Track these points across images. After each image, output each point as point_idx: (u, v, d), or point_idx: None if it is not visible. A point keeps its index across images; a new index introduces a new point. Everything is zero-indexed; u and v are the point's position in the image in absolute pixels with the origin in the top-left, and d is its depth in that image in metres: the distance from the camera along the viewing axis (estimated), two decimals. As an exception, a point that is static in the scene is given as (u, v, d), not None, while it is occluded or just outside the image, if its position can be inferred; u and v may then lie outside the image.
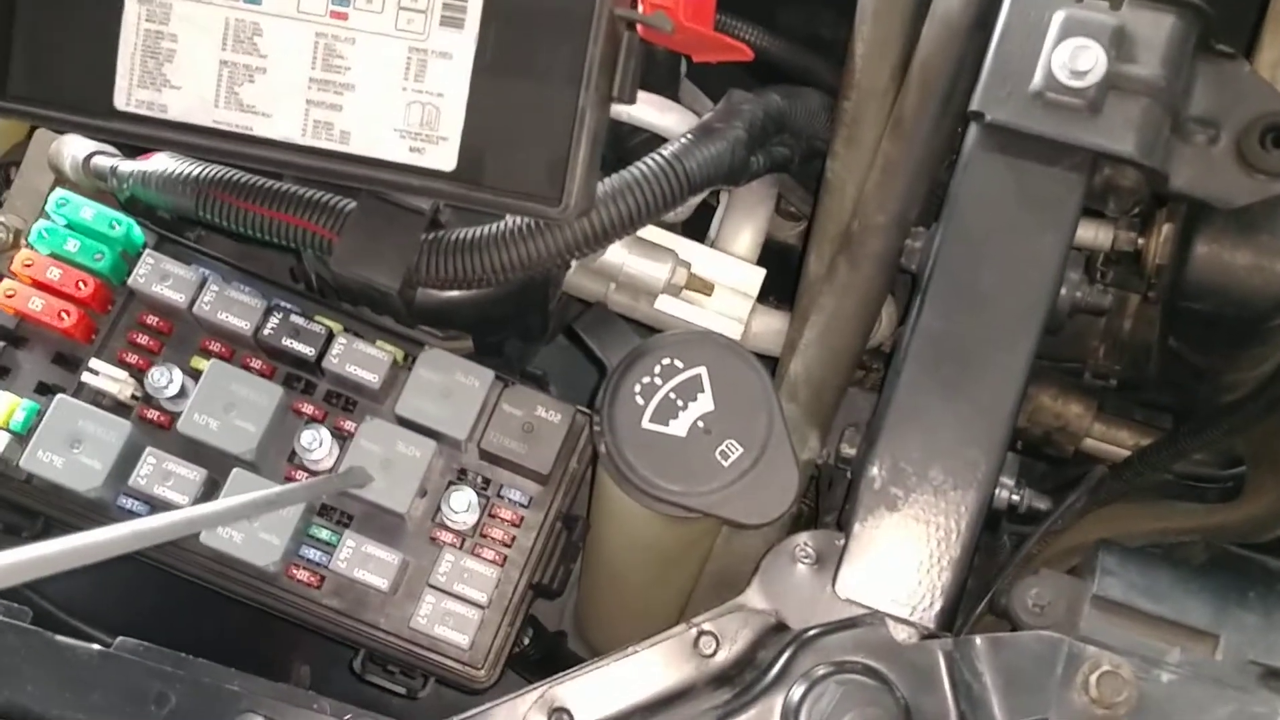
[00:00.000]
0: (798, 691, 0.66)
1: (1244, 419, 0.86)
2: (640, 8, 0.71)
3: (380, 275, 0.76)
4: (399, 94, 0.73)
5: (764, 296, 1.01)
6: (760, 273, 0.91)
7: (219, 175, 0.78)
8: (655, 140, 0.86)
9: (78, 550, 0.53)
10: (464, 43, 0.72)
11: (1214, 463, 1.00)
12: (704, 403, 0.72)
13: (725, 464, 0.71)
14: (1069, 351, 1.05)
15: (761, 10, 0.97)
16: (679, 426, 0.72)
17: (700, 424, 0.72)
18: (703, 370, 0.72)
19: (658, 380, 0.72)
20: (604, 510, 0.82)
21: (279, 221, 0.77)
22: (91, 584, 1.02)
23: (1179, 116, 0.75)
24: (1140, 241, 0.87)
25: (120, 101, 0.75)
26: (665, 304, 0.88)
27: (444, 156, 0.73)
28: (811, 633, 0.69)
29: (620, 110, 0.74)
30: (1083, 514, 0.95)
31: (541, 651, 0.97)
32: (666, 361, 0.73)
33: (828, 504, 0.92)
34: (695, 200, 0.88)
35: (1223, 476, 1.00)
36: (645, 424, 0.72)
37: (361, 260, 0.76)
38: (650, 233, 0.88)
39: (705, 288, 0.88)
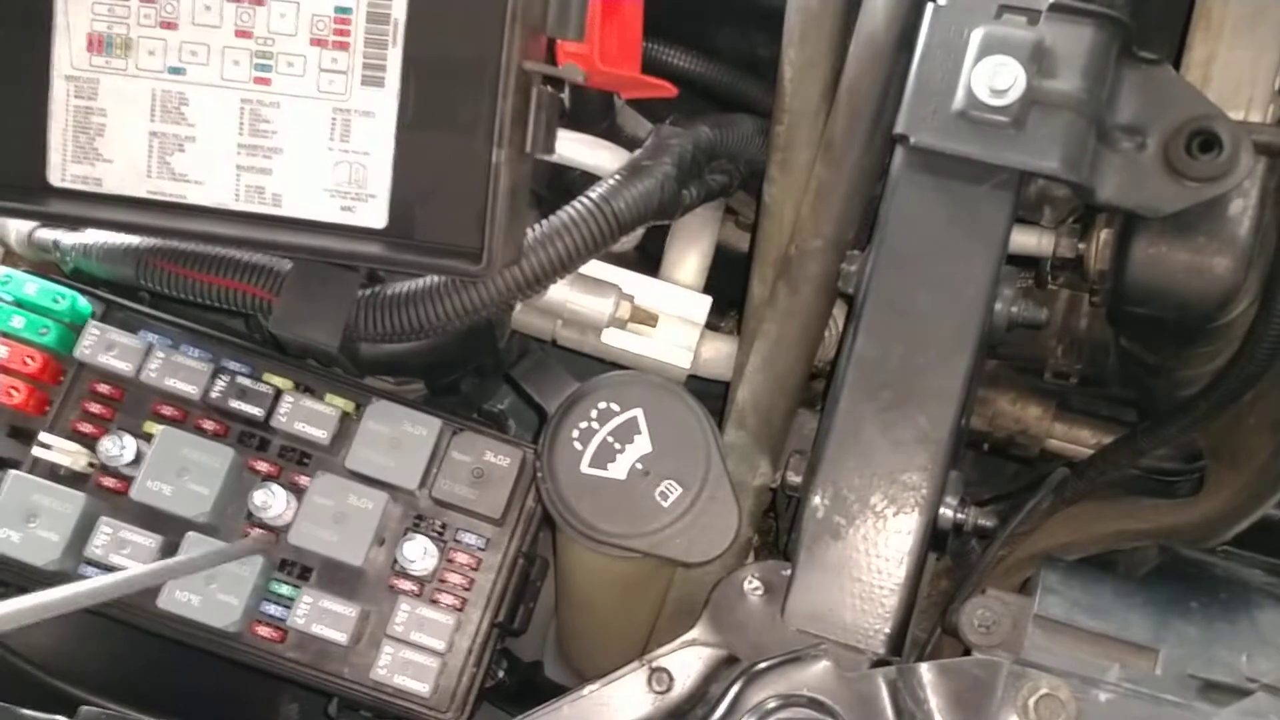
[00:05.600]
0: (745, 727, 0.67)
1: (1199, 415, 0.86)
2: (557, 57, 0.71)
3: (319, 334, 0.77)
4: (326, 154, 0.74)
5: (726, 311, 1.01)
6: (705, 300, 0.91)
7: (157, 243, 0.79)
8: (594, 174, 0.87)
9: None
10: (386, 100, 0.73)
11: (1179, 457, 1.00)
12: (641, 444, 0.73)
13: (665, 504, 0.72)
14: (1028, 352, 1.05)
15: (698, 33, 0.98)
16: (618, 469, 0.72)
17: (639, 465, 0.72)
18: (639, 412, 0.73)
19: (594, 424, 0.73)
20: (561, 547, 0.83)
21: (218, 286, 0.78)
22: (76, 633, 1.04)
23: (1104, 126, 0.75)
24: (1081, 247, 0.87)
25: (55, 178, 0.76)
26: (613, 337, 0.89)
27: (374, 214, 0.73)
28: (759, 666, 0.70)
29: (550, 151, 0.75)
30: (1049, 514, 0.95)
31: (518, 682, 0.98)
32: (603, 405, 0.73)
33: (786, 523, 0.92)
34: (637, 232, 0.88)
35: (1191, 470, 1.00)
36: (584, 469, 0.72)
37: (300, 320, 0.77)
38: (592, 268, 0.88)
39: (650, 319, 0.88)
